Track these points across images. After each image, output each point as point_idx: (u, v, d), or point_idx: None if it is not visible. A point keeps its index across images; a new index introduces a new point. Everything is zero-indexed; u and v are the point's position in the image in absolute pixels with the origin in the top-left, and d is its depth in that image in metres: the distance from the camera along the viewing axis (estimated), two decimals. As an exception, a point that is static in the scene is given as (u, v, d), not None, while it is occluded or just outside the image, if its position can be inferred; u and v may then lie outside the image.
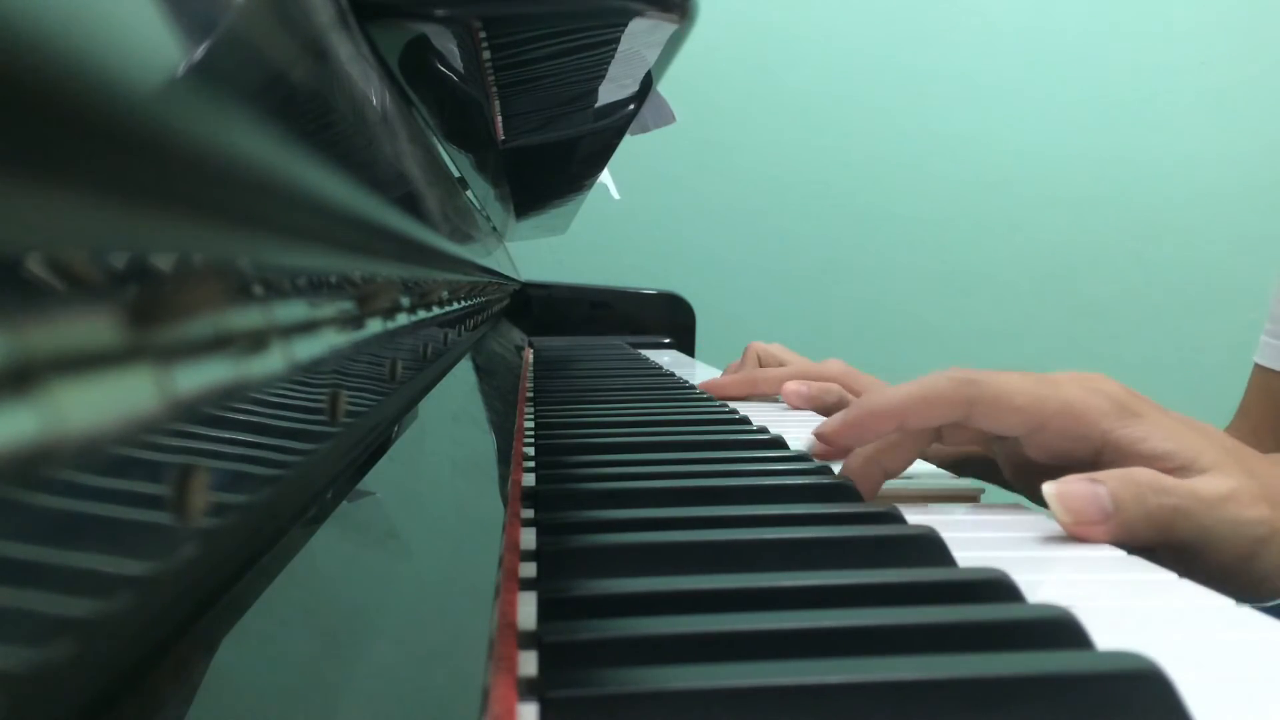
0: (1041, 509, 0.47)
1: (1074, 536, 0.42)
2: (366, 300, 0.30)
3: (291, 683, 0.18)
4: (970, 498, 0.51)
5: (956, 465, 0.74)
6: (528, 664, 0.26)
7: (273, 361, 0.20)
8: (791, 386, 0.86)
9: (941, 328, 2.03)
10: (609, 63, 0.64)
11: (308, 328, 0.23)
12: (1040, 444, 0.47)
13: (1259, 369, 0.92)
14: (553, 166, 0.99)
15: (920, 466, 0.55)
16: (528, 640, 0.27)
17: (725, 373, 1.00)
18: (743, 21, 1.97)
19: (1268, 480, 0.45)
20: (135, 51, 0.13)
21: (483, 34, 0.51)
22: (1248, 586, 0.44)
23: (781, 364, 0.96)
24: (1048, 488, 0.42)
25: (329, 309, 0.25)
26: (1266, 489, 0.44)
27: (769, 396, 0.92)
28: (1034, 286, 2.05)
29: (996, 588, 0.31)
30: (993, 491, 0.56)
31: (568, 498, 0.43)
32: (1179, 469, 0.44)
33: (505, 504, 0.41)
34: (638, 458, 0.54)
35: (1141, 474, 0.43)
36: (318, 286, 0.24)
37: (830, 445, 0.52)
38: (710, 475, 0.48)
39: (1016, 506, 0.48)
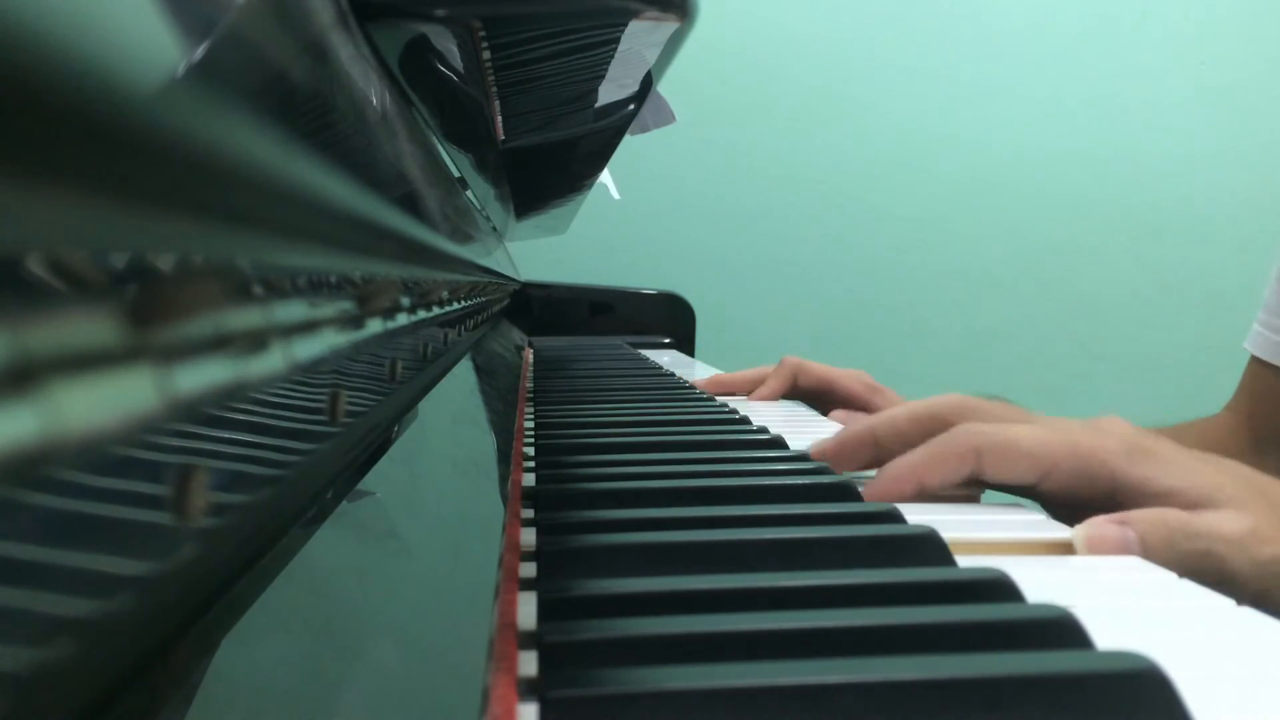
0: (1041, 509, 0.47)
1: None
2: (366, 300, 0.30)
3: (291, 683, 0.18)
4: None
5: None
6: (528, 664, 0.26)
7: (273, 361, 0.20)
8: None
9: (941, 328, 2.03)
10: (609, 63, 0.64)
11: (308, 328, 0.23)
12: (1053, 488, 0.47)
13: (1252, 359, 0.93)
14: (553, 166, 0.99)
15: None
16: (528, 640, 0.27)
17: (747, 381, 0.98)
18: (743, 21, 1.97)
19: None
20: (135, 51, 0.13)
21: (483, 34, 0.51)
22: (1260, 606, 0.44)
23: (825, 381, 0.94)
24: (1077, 533, 0.42)
25: (329, 309, 0.25)
26: None
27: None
28: (1034, 286, 2.05)
29: (996, 588, 0.31)
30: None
31: (568, 498, 0.43)
32: (1194, 505, 0.44)
33: (505, 504, 0.41)
34: (638, 458, 0.54)
35: (1171, 516, 0.43)
36: (318, 286, 0.24)
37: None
38: (710, 475, 0.48)
39: (1017, 506, 0.48)
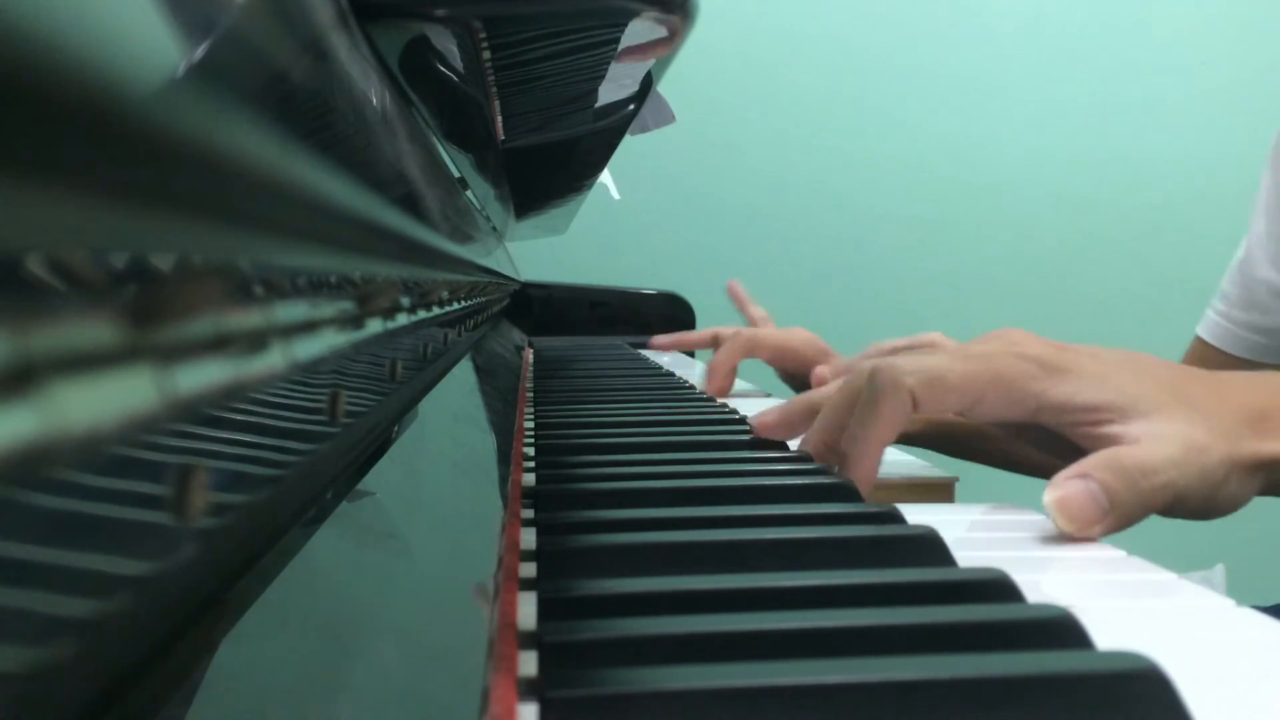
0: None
1: (1079, 535, 0.42)
2: (366, 300, 0.30)
3: (291, 683, 0.18)
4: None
5: (940, 437, 0.82)
6: (528, 664, 0.26)
7: (273, 361, 0.20)
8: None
9: (941, 328, 2.02)
10: (609, 63, 0.64)
11: (308, 328, 0.23)
12: (982, 414, 0.49)
13: (1198, 340, 0.97)
14: (553, 166, 0.99)
15: (895, 454, 0.57)
16: (528, 640, 0.27)
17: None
18: (743, 21, 1.97)
19: (1209, 407, 0.45)
20: (136, 51, 0.13)
21: (483, 34, 0.51)
22: (1206, 514, 0.45)
23: (781, 348, 1.07)
24: (1047, 497, 0.43)
25: (329, 309, 0.25)
26: (1210, 420, 0.45)
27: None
28: (1034, 286, 2.05)
29: (996, 588, 0.31)
30: (986, 487, 0.55)
31: (568, 498, 0.43)
32: (1118, 417, 0.45)
33: (505, 504, 0.41)
34: (638, 458, 0.54)
35: (1123, 456, 0.43)
36: (318, 286, 0.24)
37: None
38: (710, 475, 0.48)
39: (1016, 506, 0.48)
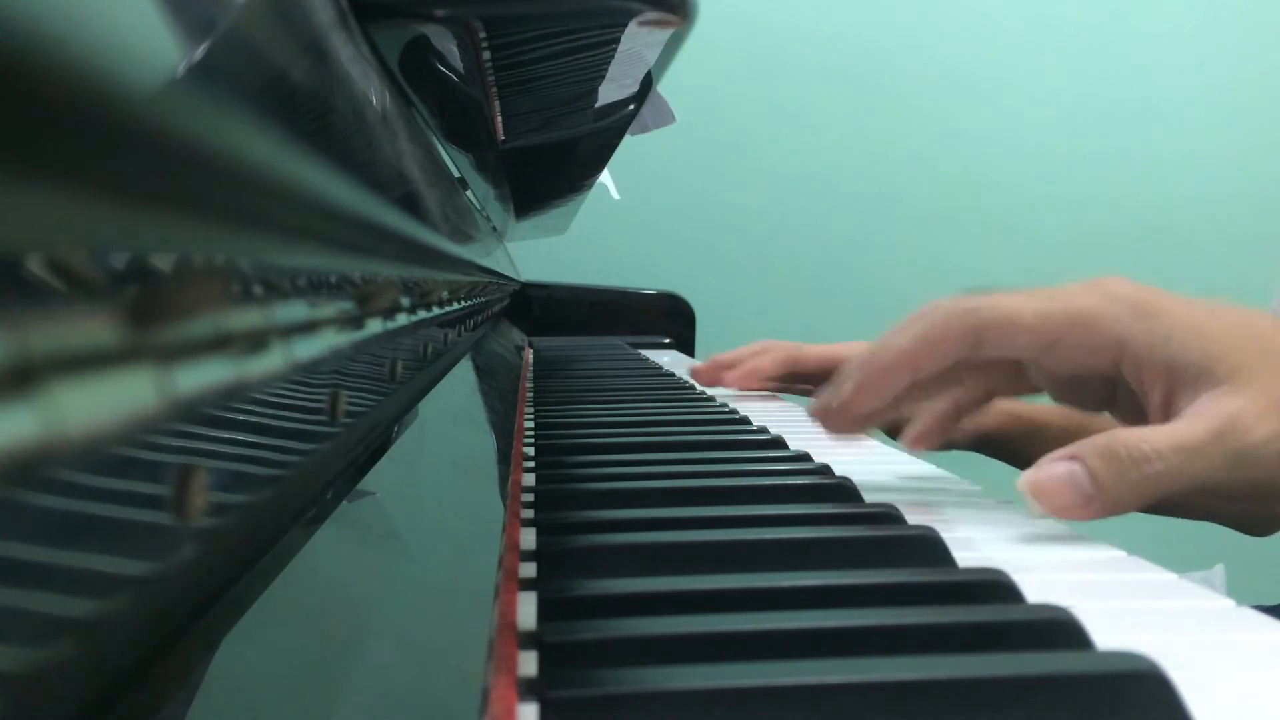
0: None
1: (1061, 518, 0.40)
2: (366, 300, 0.30)
3: (291, 683, 0.18)
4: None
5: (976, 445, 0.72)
6: (528, 664, 0.26)
7: (273, 361, 0.20)
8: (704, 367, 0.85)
9: (941, 328, 2.03)
10: (609, 63, 0.64)
11: (308, 328, 0.23)
12: (1056, 363, 0.43)
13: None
14: (553, 166, 0.99)
15: (922, 468, 0.55)
16: (528, 640, 0.27)
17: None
18: (743, 21, 1.97)
19: None
20: (136, 51, 0.13)
21: (483, 34, 0.51)
22: (1257, 504, 0.40)
23: (828, 360, 0.90)
24: (1021, 481, 0.40)
25: (329, 309, 0.25)
26: None
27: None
28: (1034, 286, 2.05)
29: (996, 588, 0.31)
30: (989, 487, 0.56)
31: (568, 498, 0.43)
32: (1190, 384, 0.40)
33: (505, 504, 0.41)
34: (638, 458, 0.54)
35: (1120, 442, 0.39)
36: (317, 287, 0.24)
37: (841, 420, 0.47)
38: (710, 475, 0.48)
39: (1016, 506, 0.48)
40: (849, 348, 0.89)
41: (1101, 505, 0.40)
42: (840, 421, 0.47)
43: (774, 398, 0.91)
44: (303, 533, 0.24)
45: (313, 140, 0.24)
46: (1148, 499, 0.40)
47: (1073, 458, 0.40)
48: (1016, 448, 0.75)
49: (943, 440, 0.50)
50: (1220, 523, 0.42)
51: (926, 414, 0.50)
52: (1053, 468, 0.40)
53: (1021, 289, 0.45)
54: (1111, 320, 0.42)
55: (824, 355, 0.90)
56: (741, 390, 0.90)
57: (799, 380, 0.91)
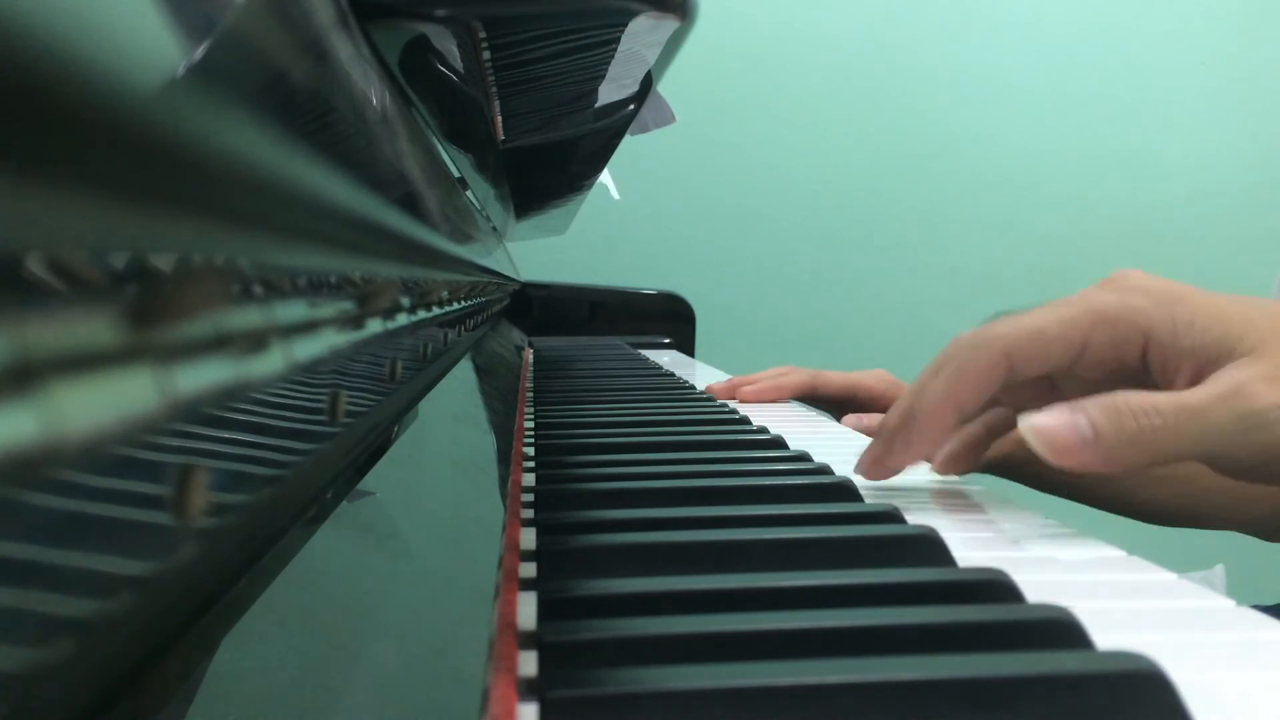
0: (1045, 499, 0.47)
1: (1058, 465, 0.40)
2: (366, 300, 0.30)
3: (291, 683, 0.18)
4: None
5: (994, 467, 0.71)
6: (528, 664, 0.26)
7: (273, 361, 0.20)
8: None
9: (942, 328, 2.02)
10: (609, 63, 0.64)
11: (308, 328, 0.23)
12: (1087, 368, 0.44)
13: None
14: (553, 166, 0.99)
15: (920, 469, 0.54)
16: (528, 640, 0.27)
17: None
18: (743, 21, 1.97)
19: None
20: (136, 51, 0.13)
21: (483, 34, 0.51)
22: (1255, 474, 0.41)
23: (849, 387, 0.91)
24: (1023, 421, 0.40)
25: (329, 309, 0.25)
26: None
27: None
28: (1034, 286, 2.05)
29: (996, 588, 0.31)
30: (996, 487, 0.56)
31: (568, 498, 0.43)
32: (1216, 362, 0.41)
33: (505, 504, 0.41)
34: (638, 458, 0.54)
35: (1122, 397, 0.40)
36: (318, 287, 0.24)
37: (891, 467, 0.47)
38: (710, 475, 0.48)
39: (1017, 507, 0.48)
40: (869, 376, 0.91)
41: (1096, 453, 0.40)
42: (891, 473, 0.48)
43: (790, 403, 0.91)
44: (303, 533, 0.24)
45: (312, 140, 0.24)
46: (1148, 456, 0.40)
47: (1075, 407, 0.40)
48: (1033, 469, 0.74)
49: (974, 463, 0.50)
50: (1240, 530, 0.42)
51: (956, 437, 0.50)
52: (1056, 412, 0.40)
53: (1036, 306, 0.46)
54: (1134, 311, 0.43)
55: (846, 383, 0.91)
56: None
57: (818, 405, 0.92)
